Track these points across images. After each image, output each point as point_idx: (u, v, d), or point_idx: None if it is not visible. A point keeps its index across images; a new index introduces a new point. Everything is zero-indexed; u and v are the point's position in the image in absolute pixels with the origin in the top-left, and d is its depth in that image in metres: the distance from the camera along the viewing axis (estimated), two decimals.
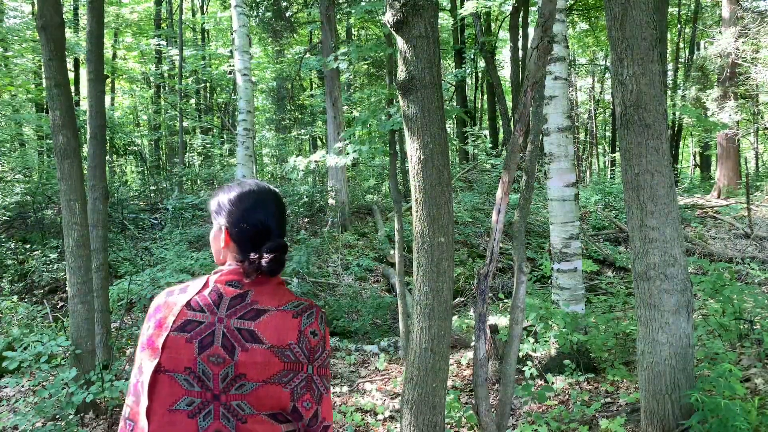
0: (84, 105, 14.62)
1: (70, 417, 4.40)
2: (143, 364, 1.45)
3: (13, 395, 5.38)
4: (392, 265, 8.99)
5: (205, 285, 1.50)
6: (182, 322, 1.44)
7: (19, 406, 4.97)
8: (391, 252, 9.38)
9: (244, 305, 1.45)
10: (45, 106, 15.66)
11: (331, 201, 11.86)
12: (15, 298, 7.76)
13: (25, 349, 4.66)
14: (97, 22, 5.45)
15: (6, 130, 15.39)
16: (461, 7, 15.02)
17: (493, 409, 3.10)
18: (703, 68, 17.02)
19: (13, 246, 9.42)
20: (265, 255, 1.48)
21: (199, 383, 1.40)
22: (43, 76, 5.04)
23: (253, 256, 1.48)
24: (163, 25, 19.73)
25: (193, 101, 19.49)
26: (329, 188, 12.11)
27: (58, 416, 4.45)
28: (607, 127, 30.45)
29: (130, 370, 5.24)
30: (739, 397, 3.35)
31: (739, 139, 16.79)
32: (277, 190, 1.63)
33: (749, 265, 8.36)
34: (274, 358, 1.42)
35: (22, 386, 5.48)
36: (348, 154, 6.40)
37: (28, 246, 9.59)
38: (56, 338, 4.70)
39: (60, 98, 4.67)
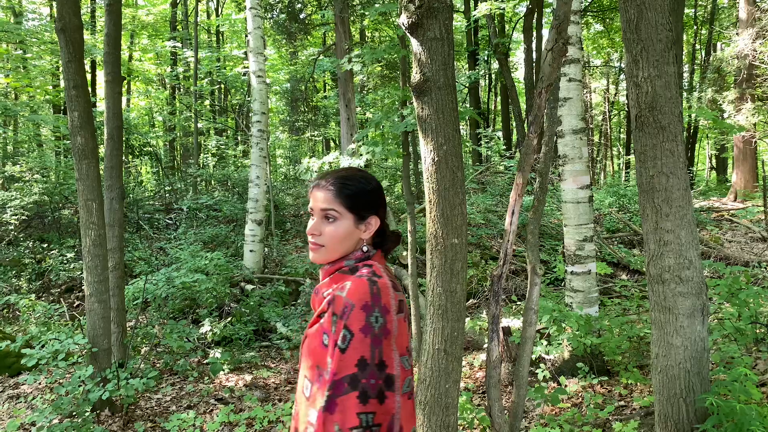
0: (101, 106, 14.78)
1: (87, 414, 4.46)
2: (386, 358, 1.38)
3: (31, 392, 5.46)
4: (405, 266, 9.00)
5: (378, 268, 1.53)
6: (397, 304, 1.45)
7: (37, 403, 5.04)
8: (404, 253, 9.39)
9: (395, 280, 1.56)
10: (62, 108, 15.89)
11: None
12: (33, 296, 7.87)
13: (42, 346, 4.73)
14: (115, 24, 5.52)
15: (24, 130, 15.61)
16: (475, 9, 15.02)
17: (506, 411, 3.10)
18: (720, 70, 16.84)
19: (30, 245, 9.55)
20: (395, 234, 1.61)
21: (411, 360, 1.45)
22: (62, 77, 5.11)
23: (390, 236, 1.60)
24: (178, 27, 19.90)
25: (207, 103, 19.64)
26: None
27: (74, 413, 4.51)
28: (621, 129, 30.24)
29: (146, 369, 5.31)
30: (754, 402, 3.31)
31: (756, 142, 16.59)
32: None
33: (766, 268, 8.26)
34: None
35: (40, 383, 5.56)
36: (361, 155, 6.42)
37: (45, 245, 9.73)
38: (73, 336, 4.77)
39: (78, 100, 4.74)
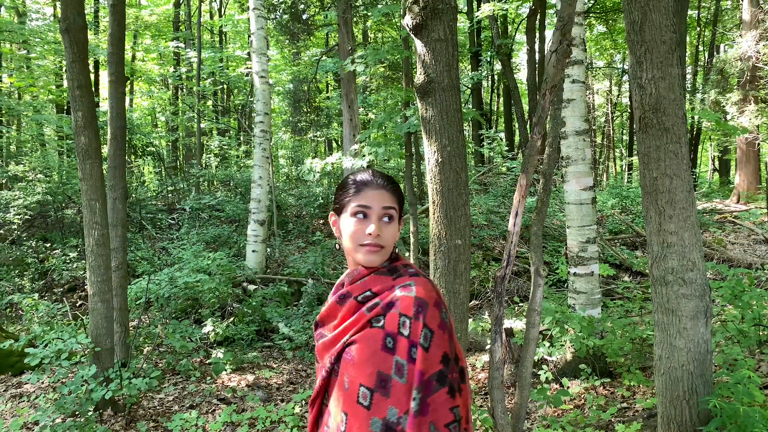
0: (104, 106, 14.80)
1: (89, 413, 4.47)
2: (459, 351, 1.41)
3: (34, 391, 5.47)
4: None
5: (416, 267, 1.53)
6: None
7: (40, 402, 5.05)
8: (406, 254, 9.39)
9: None
10: (65, 107, 15.92)
11: None
12: (36, 295, 7.88)
13: (45, 346, 4.74)
14: (119, 25, 5.53)
15: (28, 130, 15.66)
16: (478, 10, 15.02)
17: (508, 413, 3.10)
18: (723, 71, 16.81)
19: (33, 244, 9.57)
20: None
21: None
22: (66, 78, 5.12)
23: None
24: (181, 28, 19.93)
25: (210, 103, 19.66)
26: None
27: (77, 412, 4.52)
28: (624, 131, 30.22)
29: (149, 368, 5.32)
30: (757, 404, 3.31)
31: (759, 144, 16.56)
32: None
33: None
34: None
35: (43, 383, 5.57)
36: (364, 156, 6.43)
37: (48, 245, 9.75)
38: (76, 336, 4.77)
39: (82, 100, 4.75)
